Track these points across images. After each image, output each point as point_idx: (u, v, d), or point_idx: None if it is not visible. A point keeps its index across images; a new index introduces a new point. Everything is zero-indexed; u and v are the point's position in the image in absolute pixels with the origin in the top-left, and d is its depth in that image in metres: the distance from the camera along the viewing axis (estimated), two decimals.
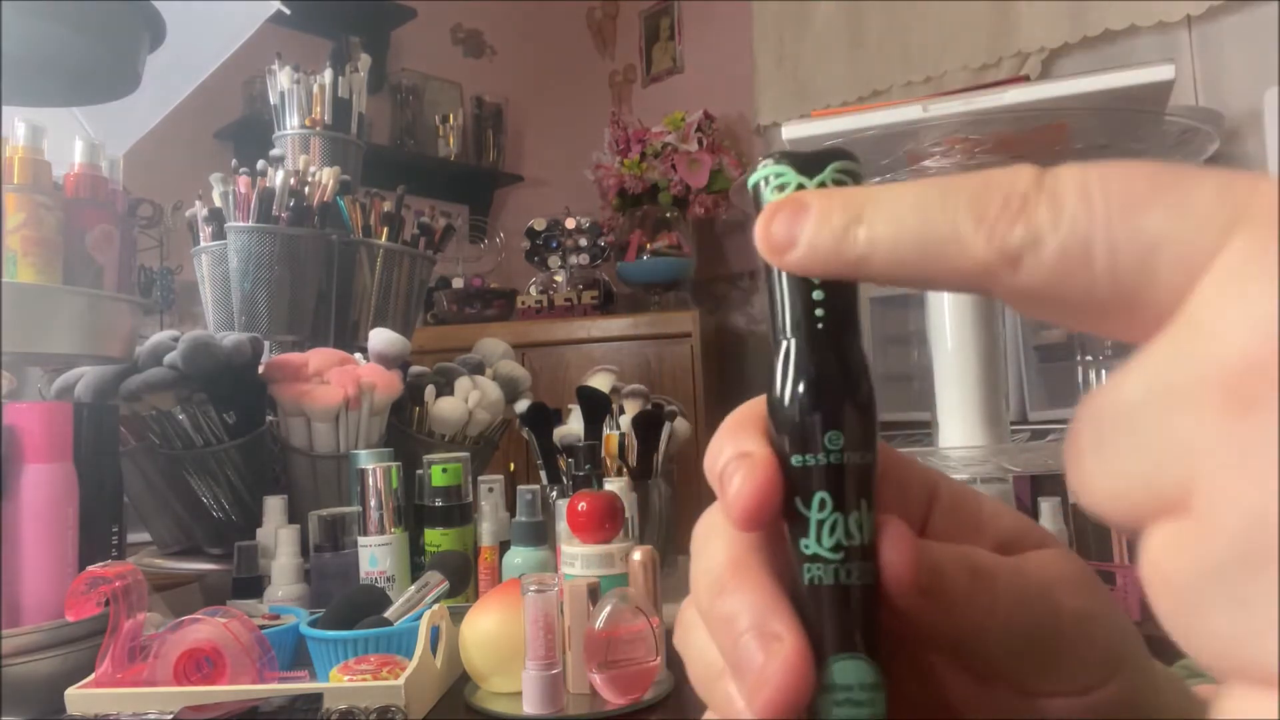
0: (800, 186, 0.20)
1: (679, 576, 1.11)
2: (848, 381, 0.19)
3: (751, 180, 0.20)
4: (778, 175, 0.20)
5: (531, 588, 0.62)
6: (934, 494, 0.24)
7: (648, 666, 0.64)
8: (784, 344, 0.20)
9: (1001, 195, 0.17)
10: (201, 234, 1.16)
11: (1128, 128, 0.71)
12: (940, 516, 0.24)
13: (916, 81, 2.63)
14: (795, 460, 0.19)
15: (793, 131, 0.74)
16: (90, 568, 0.63)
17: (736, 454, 0.20)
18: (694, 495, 0.77)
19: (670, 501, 1.08)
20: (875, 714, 0.19)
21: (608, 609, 0.63)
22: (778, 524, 0.20)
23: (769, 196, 0.20)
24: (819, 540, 0.19)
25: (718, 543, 0.21)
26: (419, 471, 0.90)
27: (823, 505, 0.19)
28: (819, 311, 0.19)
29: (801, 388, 0.19)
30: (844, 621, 0.19)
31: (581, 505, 0.71)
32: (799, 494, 0.19)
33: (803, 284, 0.20)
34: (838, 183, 0.20)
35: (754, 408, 0.21)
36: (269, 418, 0.99)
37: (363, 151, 1.31)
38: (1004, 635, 0.21)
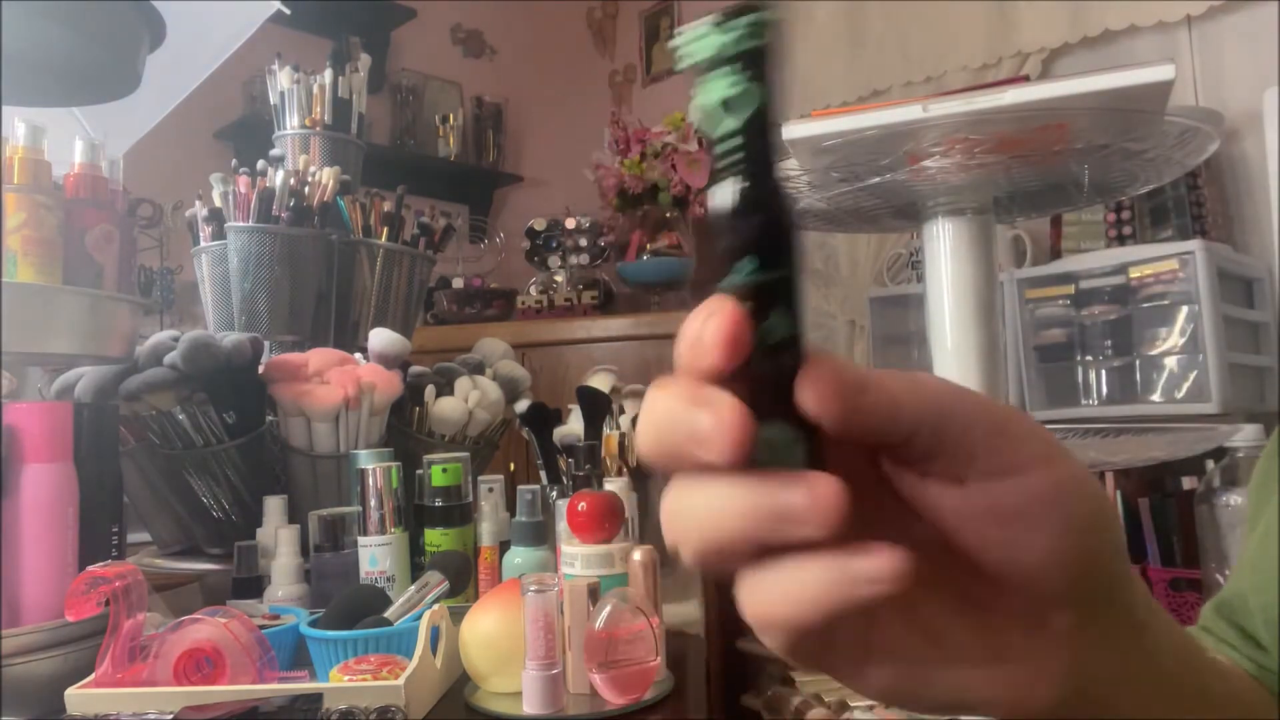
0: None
1: (679, 576, 1.11)
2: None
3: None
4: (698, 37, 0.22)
5: (531, 588, 0.62)
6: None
7: (648, 666, 0.64)
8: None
9: None
10: (201, 234, 1.16)
11: (1128, 128, 0.71)
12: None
13: (916, 81, 2.63)
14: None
15: (793, 131, 0.74)
16: (90, 568, 0.63)
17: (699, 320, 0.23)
18: None
19: None
20: None
21: (608, 609, 0.63)
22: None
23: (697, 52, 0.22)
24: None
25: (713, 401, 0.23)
26: (419, 471, 0.90)
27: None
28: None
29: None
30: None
31: (581, 505, 0.71)
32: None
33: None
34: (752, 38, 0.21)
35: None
36: (269, 418, 0.99)
37: (363, 151, 1.31)
38: (914, 420, 0.24)
